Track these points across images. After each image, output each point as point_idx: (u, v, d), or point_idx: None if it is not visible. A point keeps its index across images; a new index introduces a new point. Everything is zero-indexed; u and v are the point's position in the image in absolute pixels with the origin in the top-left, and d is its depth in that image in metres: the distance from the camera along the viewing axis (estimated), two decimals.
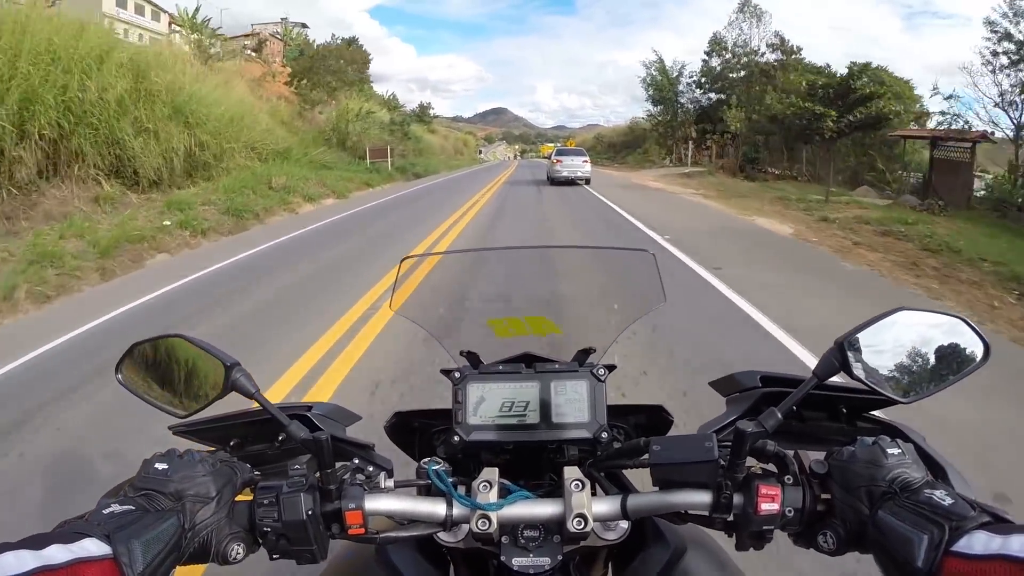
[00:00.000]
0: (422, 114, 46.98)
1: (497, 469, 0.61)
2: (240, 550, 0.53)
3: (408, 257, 0.81)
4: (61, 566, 0.39)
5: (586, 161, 19.55)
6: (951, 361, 0.60)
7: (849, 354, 0.57)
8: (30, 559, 0.39)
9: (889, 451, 0.51)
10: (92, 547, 0.42)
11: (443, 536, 0.61)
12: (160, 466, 0.52)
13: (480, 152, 77.30)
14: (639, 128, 42.14)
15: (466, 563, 0.70)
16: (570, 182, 19.09)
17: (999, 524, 0.42)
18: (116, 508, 0.47)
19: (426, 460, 0.64)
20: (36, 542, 0.41)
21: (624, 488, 0.67)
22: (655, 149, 36.50)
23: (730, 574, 0.64)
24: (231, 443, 0.71)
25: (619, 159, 40.78)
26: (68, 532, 0.43)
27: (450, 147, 55.61)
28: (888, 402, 0.66)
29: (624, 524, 0.62)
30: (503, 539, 0.59)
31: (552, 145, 53.69)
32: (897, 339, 0.60)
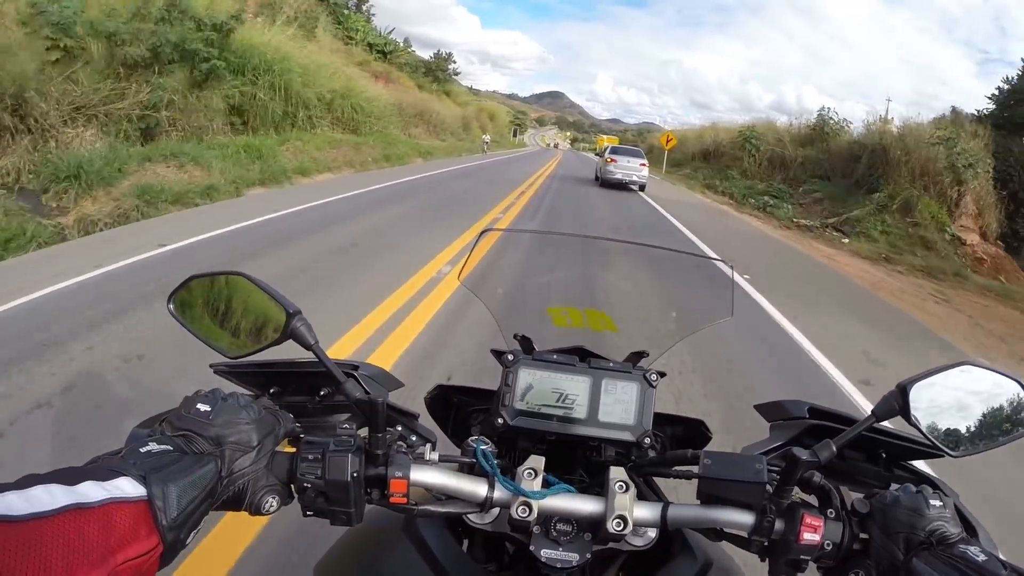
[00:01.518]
0: (437, 67, 34.77)
1: (543, 458, 0.61)
2: (274, 503, 0.53)
3: (488, 230, 0.81)
4: (94, 505, 0.37)
5: (644, 164, 16.25)
6: (1004, 422, 0.61)
7: (909, 399, 0.57)
8: (62, 495, 0.37)
9: (932, 502, 0.52)
10: (127, 487, 0.40)
11: (473, 517, 0.61)
12: (203, 407, 0.51)
13: (514, 134, 57.24)
14: (840, 136, 18.83)
15: (483, 545, 0.71)
16: (622, 185, 15.72)
17: None
18: (154, 447, 0.46)
19: (474, 438, 0.64)
20: (68, 476, 0.39)
21: (659, 496, 0.67)
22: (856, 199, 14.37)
23: None
24: (271, 391, 0.71)
25: (709, 179, 21.03)
26: (103, 468, 0.41)
27: (461, 119, 34.54)
28: (928, 454, 0.67)
29: (652, 532, 0.62)
30: (535, 529, 0.59)
31: (610, 137, 46.67)
32: (955, 392, 0.61)
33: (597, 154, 21.33)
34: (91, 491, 0.38)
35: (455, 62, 38.68)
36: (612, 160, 16.28)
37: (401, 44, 30.49)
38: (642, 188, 16.13)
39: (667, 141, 23.69)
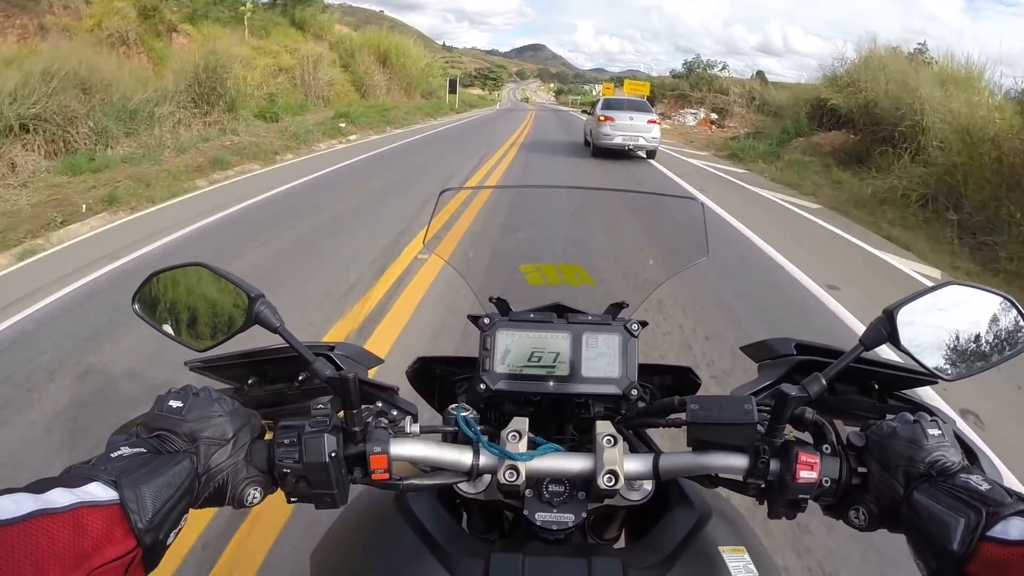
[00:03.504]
0: None
1: (527, 419, 0.60)
2: (256, 494, 0.53)
3: (447, 190, 0.78)
4: (62, 510, 0.38)
5: (654, 122, 11.62)
6: (995, 340, 0.60)
7: (897, 325, 0.56)
8: (28, 503, 0.37)
9: (929, 431, 0.51)
10: (98, 491, 0.41)
11: (463, 486, 0.61)
12: (174, 404, 0.51)
13: (451, 89, 31.40)
14: None
15: (481, 515, 0.71)
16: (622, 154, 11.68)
17: None
18: (125, 451, 0.46)
19: (453, 406, 0.64)
20: (38, 486, 0.39)
21: (650, 448, 0.67)
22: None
23: (752, 543, 0.64)
24: (249, 381, 0.71)
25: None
26: (73, 476, 0.42)
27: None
28: (921, 380, 0.66)
29: (648, 485, 0.62)
30: (527, 492, 0.58)
31: (610, 85, 33.25)
32: (943, 314, 0.60)
33: (587, 112, 14.68)
34: (59, 497, 0.38)
35: None
36: (606, 119, 11.55)
37: None
38: (651, 155, 11.86)
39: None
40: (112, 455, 0.45)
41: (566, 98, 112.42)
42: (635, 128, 11.40)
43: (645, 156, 11.83)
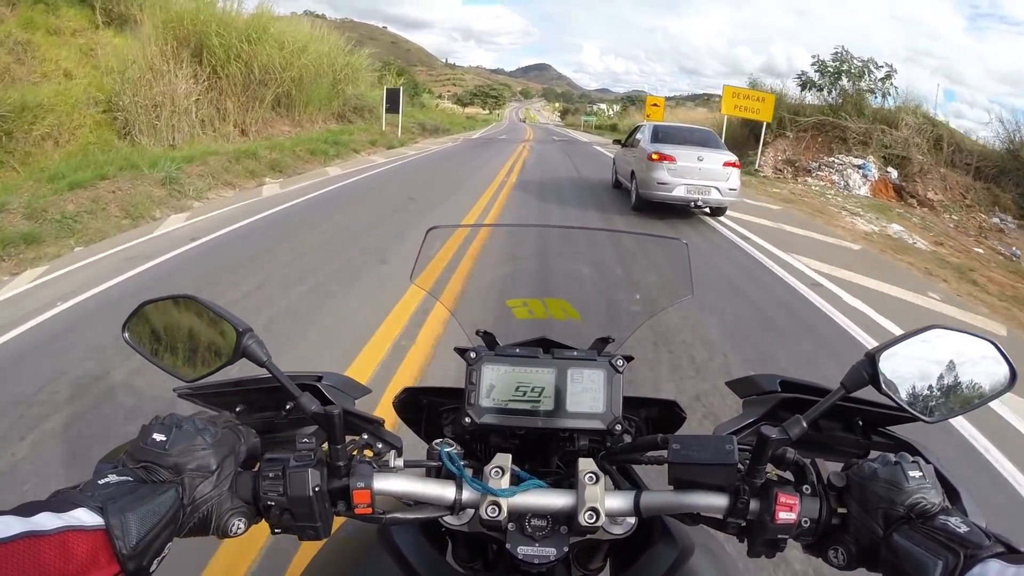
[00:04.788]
0: None
1: (510, 455, 0.62)
2: (241, 525, 0.54)
3: (435, 228, 0.80)
4: (49, 533, 0.39)
5: (732, 165, 7.85)
6: (977, 383, 0.61)
7: (878, 368, 0.57)
8: (16, 525, 0.39)
9: (910, 473, 0.52)
10: (84, 517, 0.42)
11: (448, 519, 0.62)
12: (159, 437, 0.52)
13: (390, 108, 17.47)
14: None
15: (466, 545, 0.71)
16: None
17: (1012, 555, 0.43)
18: (112, 479, 0.47)
19: (438, 441, 0.65)
20: (25, 510, 0.41)
21: (633, 482, 0.68)
22: None
23: None
24: (237, 408, 0.72)
25: None
26: (60, 501, 0.43)
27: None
28: (904, 419, 0.66)
29: (632, 519, 0.63)
30: (510, 526, 0.59)
31: (656, 101, 21.29)
32: (926, 357, 0.61)
33: (620, 144, 10.37)
34: (46, 521, 0.40)
35: None
36: (662, 157, 7.69)
37: None
38: (717, 212, 8.10)
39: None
40: (99, 482, 0.47)
41: (575, 119, 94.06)
42: (707, 174, 7.59)
43: (710, 212, 8.01)
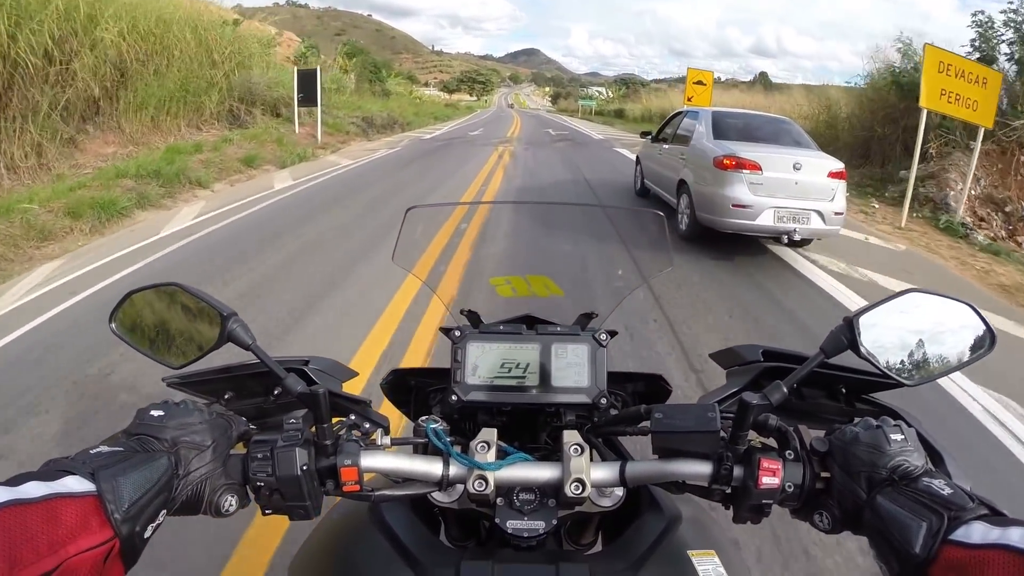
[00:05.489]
0: None
1: (496, 430, 0.63)
2: (233, 502, 0.55)
3: (414, 207, 0.80)
4: (35, 500, 0.40)
5: (837, 175, 5.01)
6: (956, 347, 0.62)
7: (857, 332, 0.58)
8: (2, 494, 0.39)
9: (892, 436, 0.53)
10: (74, 484, 0.43)
11: (437, 496, 0.63)
12: (155, 413, 0.53)
13: (303, 100, 11.45)
14: None
15: (458, 523, 0.73)
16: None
17: (996, 516, 0.44)
18: (104, 449, 0.48)
19: (424, 418, 0.66)
20: (14, 480, 0.41)
21: (619, 454, 0.69)
22: None
23: (723, 547, 0.66)
24: (226, 396, 0.73)
25: None
26: (51, 471, 0.44)
27: None
28: (888, 385, 0.68)
29: (619, 491, 0.64)
30: (498, 501, 0.60)
31: (701, 75, 12.81)
32: (904, 321, 0.62)
33: (651, 137, 7.43)
34: (33, 489, 0.41)
35: None
36: (739, 164, 5.01)
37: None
38: (800, 244, 5.51)
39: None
40: (91, 451, 0.47)
41: (568, 104, 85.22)
42: (806, 190, 5.02)
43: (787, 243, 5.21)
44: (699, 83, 13.05)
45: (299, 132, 12.42)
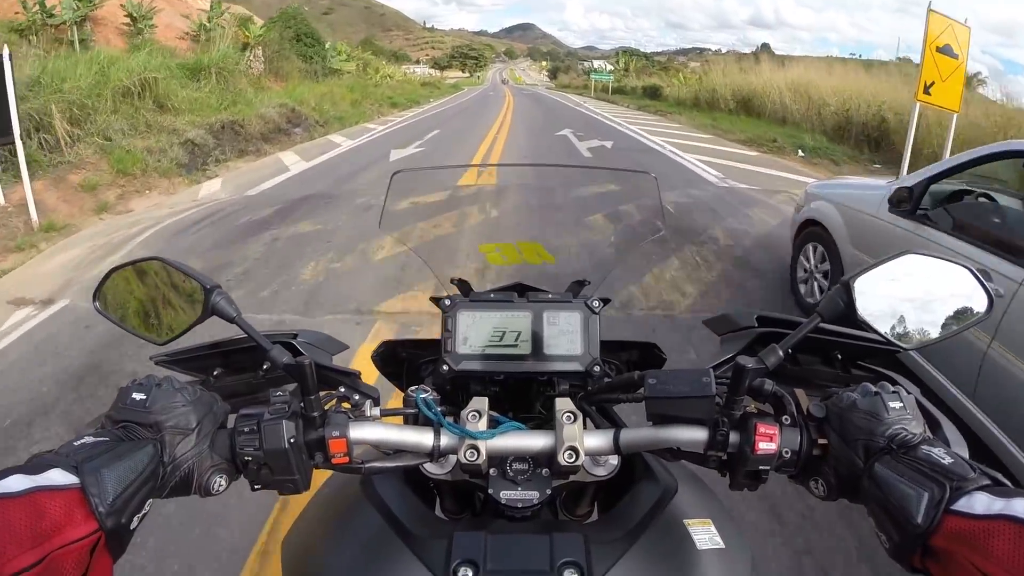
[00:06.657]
0: None
1: (487, 399, 0.62)
2: (222, 482, 0.54)
3: (400, 171, 0.78)
4: (17, 494, 0.40)
5: None
6: (954, 310, 0.61)
7: (854, 296, 0.57)
8: None
9: (890, 404, 0.52)
10: (57, 477, 0.43)
11: (429, 467, 0.62)
12: (137, 396, 0.52)
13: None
14: None
15: (452, 496, 0.72)
16: None
17: (998, 487, 0.43)
18: (88, 439, 0.48)
19: (413, 388, 0.65)
20: None
21: (613, 422, 0.68)
22: None
23: (719, 515, 0.66)
24: (215, 372, 0.72)
25: None
26: (35, 464, 0.44)
27: None
28: (882, 351, 0.67)
29: (614, 460, 0.63)
30: (491, 471, 0.60)
31: (952, 39, 4.69)
32: (901, 283, 0.61)
33: (908, 191, 2.64)
34: (15, 483, 0.41)
35: None
36: None
37: None
38: None
39: None
40: (75, 443, 0.47)
41: (569, 79, 78.87)
42: None
43: None
44: (945, 50, 5.80)
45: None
